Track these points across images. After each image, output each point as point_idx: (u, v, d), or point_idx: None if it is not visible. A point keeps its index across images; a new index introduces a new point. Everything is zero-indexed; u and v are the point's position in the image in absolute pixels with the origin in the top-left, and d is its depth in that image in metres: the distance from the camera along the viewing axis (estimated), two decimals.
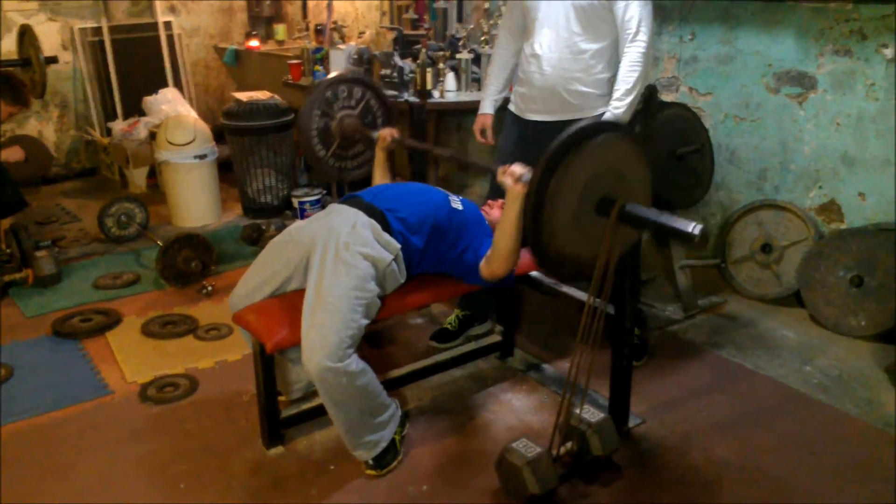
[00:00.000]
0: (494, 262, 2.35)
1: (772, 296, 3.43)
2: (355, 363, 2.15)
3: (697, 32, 3.58)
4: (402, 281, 2.38)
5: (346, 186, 4.46)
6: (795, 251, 3.36)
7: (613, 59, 2.75)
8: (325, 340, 2.10)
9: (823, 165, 3.28)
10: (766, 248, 3.45)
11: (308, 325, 2.14)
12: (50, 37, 5.44)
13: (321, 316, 2.12)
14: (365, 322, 2.20)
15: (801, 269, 3.26)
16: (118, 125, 5.36)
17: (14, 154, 3.81)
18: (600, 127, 2.01)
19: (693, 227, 1.84)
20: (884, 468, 2.31)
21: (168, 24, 5.88)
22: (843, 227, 3.25)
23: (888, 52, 2.99)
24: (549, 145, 1.91)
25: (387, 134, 2.84)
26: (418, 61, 3.78)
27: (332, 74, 3.12)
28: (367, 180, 2.94)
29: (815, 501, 2.18)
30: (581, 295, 2.59)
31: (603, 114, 2.71)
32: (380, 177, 2.86)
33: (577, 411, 2.25)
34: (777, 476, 2.28)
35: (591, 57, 2.74)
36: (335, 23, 5.01)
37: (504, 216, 2.27)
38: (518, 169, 2.22)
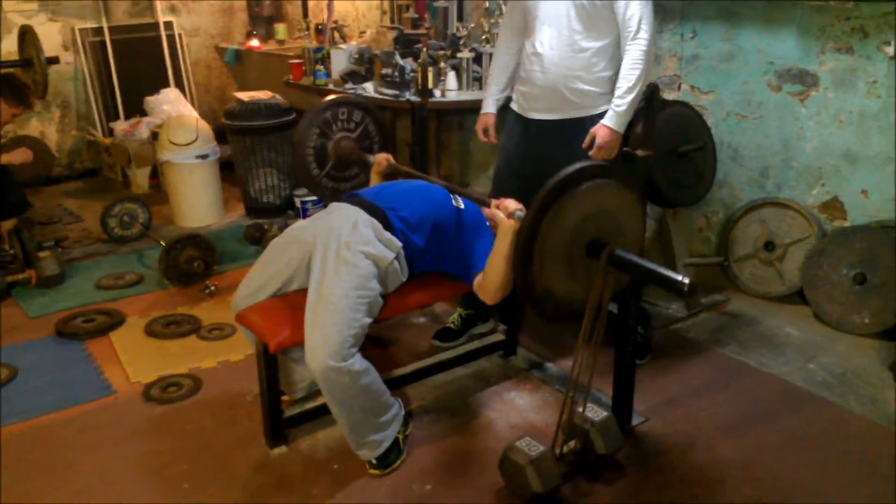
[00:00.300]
0: (486, 290, 2.36)
1: (775, 293, 3.43)
2: (358, 362, 2.15)
3: (699, 30, 3.58)
4: (404, 279, 2.38)
5: None
6: (798, 249, 3.35)
7: (615, 58, 2.75)
8: (327, 340, 2.10)
9: (826, 163, 3.27)
10: (769, 245, 3.45)
11: (311, 325, 2.14)
12: (51, 37, 5.44)
13: (324, 315, 2.12)
14: (368, 321, 2.20)
15: (805, 266, 3.26)
16: (120, 125, 5.37)
17: (21, 156, 3.81)
18: (594, 170, 2.04)
19: (682, 278, 1.87)
20: (887, 465, 2.31)
21: (169, 24, 5.88)
22: (845, 224, 3.25)
23: (889, 50, 2.98)
24: (543, 186, 1.94)
25: (382, 159, 2.87)
26: (419, 60, 3.77)
27: (331, 98, 3.14)
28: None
29: (818, 499, 2.18)
30: None
31: (605, 112, 2.71)
32: None
33: (581, 410, 2.25)
34: (781, 474, 2.28)
35: (593, 55, 2.73)
36: (336, 22, 5.01)
37: (495, 250, 2.28)
38: (511, 204, 2.22)
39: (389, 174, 2.89)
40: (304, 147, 3.00)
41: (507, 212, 2.22)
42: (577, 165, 2.02)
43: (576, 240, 2.03)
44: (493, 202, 2.28)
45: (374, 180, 2.89)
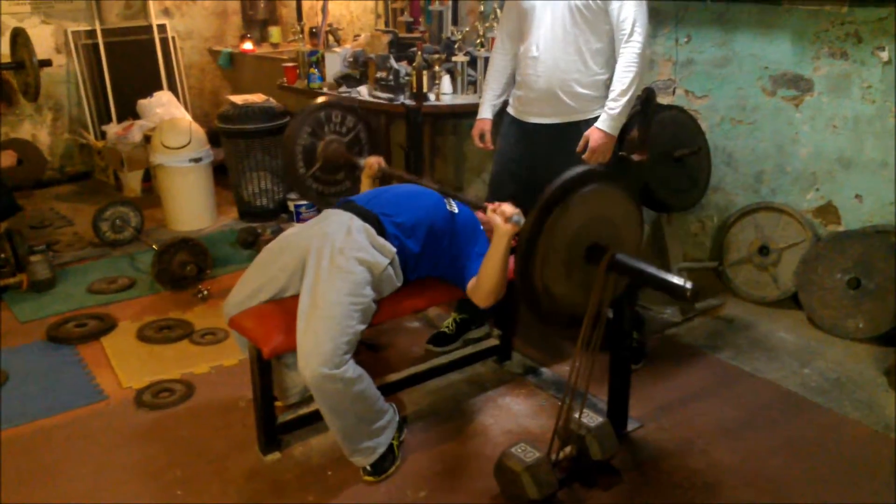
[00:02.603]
0: (479, 293, 2.35)
1: (769, 298, 3.43)
2: (352, 369, 2.14)
3: (693, 35, 3.58)
4: (399, 285, 2.37)
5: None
6: (793, 253, 3.36)
7: (611, 61, 2.75)
8: (320, 347, 2.08)
9: (820, 168, 3.28)
10: (764, 250, 3.45)
11: (303, 332, 2.12)
12: (43, 40, 5.41)
13: (316, 322, 2.11)
14: (361, 327, 2.18)
15: (799, 271, 3.26)
16: (112, 128, 5.34)
17: (7, 159, 3.78)
18: (592, 176, 2.04)
19: (685, 283, 1.86)
20: (883, 471, 2.31)
21: (162, 27, 5.86)
22: (840, 229, 3.25)
23: (884, 55, 2.99)
24: (543, 192, 1.94)
25: (374, 162, 2.86)
26: (414, 64, 3.76)
27: (321, 100, 3.13)
28: None
29: None
30: None
31: (599, 116, 2.71)
32: None
33: (576, 415, 2.24)
34: (776, 479, 2.28)
35: (589, 58, 2.73)
36: (330, 25, 5.00)
37: (491, 253, 2.27)
38: (508, 209, 2.21)
39: (381, 178, 2.88)
40: (294, 143, 2.99)
41: (504, 216, 2.21)
42: (582, 169, 2.01)
43: (576, 243, 2.02)
44: (490, 206, 2.27)
45: (366, 184, 2.88)
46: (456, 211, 2.50)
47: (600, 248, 2.03)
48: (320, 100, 3.16)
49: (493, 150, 3.07)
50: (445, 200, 2.51)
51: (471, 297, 2.40)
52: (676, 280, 1.91)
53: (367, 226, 2.30)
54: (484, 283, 2.30)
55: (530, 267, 1.97)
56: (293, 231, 2.44)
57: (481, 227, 2.52)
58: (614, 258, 2.01)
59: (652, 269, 1.97)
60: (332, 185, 3.14)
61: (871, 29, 3.00)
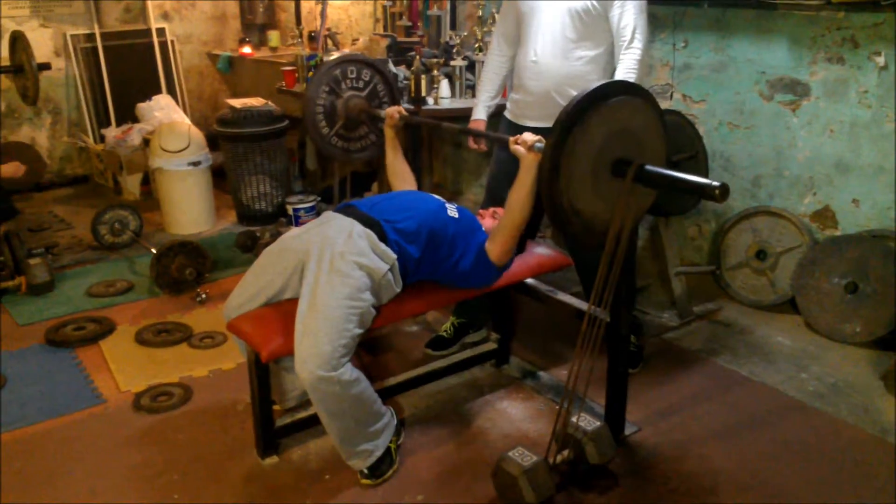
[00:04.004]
0: (502, 234, 2.37)
1: (767, 302, 3.43)
2: (349, 372, 2.14)
3: (690, 40, 3.59)
4: (398, 290, 2.37)
5: (349, 189, 4.45)
6: (790, 258, 3.36)
7: (608, 66, 2.76)
8: (318, 350, 2.09)
9: (817, 172, 3.29)
10: (761, 254, 3.46)
11: (301, 335, 2.13)
12: (42, 43, 5.42)
13: (314, 325, 2.11)
14: (359, 332, 2.19)
15: (796, 275, 3.27)
16: (111, 132, 5.34)
17: (11, 168, 3.79)
18: (618, 87, 2.00)
19: (712, 182, 1.83)
20: (880, 475, 2.31)
21: (161, 31, 5.87)
22: (837, 233, 3.26)
23: (880, 60, 3.00)
24: (567, 104, 1.90)
25: (394, 111, 2.85)
26: (412, 68, 3.77)
27: (340, 55, 3.13)
28: (365, 185, 2.93)
29: None
30: (577, 302, 2.59)
31: None
32: (392, 155, 2.85)
33: (574, 419, 2.24)
34: (773, 484, 2.28)
35: (586, 63, 2.74)
36: (329, 29, 5.01)
37: (517, 186, 2.29)
38: (530, 137, 2.23)
39: (403, 127, 2.89)
40: (313, 105, 2.99)
41: (526, 145, 2.23)
42: (602, 83, 1.97)
43: (602, 157, 1.97)
44: (511, 139, 2.28)
45: (389, 135, 2.86)
46: (457, 216, 2.50)
47: (626, 162, 1.98)
48: (334, 56, 3.14)
49: (489, 153, 3.07)
50: (446, 206, 2.51)
51: (492, 251, 2.40)
52: (704, 181, 1.87)
53: (369, 231, 2.30)
54: (509, 217, 2.33)
55: (555, 186, 1.92)
56: (292, 234, 2.44)
57: (483, 230, 2.52)
58: (642, 168, 1.96)
59: (679, 174, 1.94)
60: (357, 141, 3.14)
61: (867, 34, 3.01)
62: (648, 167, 1.97)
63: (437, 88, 3.87)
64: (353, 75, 3.05)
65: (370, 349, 3.09)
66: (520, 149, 2.27)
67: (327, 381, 2.09)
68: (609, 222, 2.03)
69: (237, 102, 4.71)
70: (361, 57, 3.18)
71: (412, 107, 3.73)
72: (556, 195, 1.94)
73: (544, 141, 2.14)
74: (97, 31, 5.57)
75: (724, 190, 1.82)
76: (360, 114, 3.04)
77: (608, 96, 1.95)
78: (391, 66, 3.91)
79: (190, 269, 3.65)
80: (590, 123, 1.92)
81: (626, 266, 2.27)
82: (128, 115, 5.48)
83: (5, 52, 4.45)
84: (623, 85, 2.05)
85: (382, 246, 2.28)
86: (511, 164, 2.93)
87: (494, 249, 2.41)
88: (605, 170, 1.99)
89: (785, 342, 3.14)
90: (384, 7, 4.75)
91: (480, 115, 3.06)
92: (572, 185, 1.94)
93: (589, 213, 2.00)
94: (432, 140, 4.83)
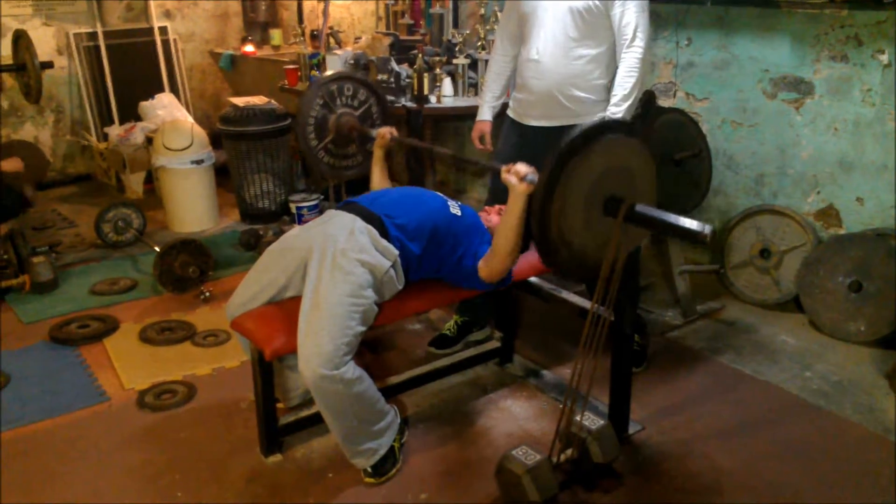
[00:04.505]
0: (494, 259, 2.34)
1: (771, 301, 3.43)
2: (352, 370, 2.14)
3: (694, 38, 3.58)
4: (400, 287, 2.36)
5: (344, 192, 4.45)
6: (794, 256, 3.36)
7: (611, 65, 2.75)
8: (320, 348, 2.08)
9: (821, 170, 3.28)
10: (765, 253, 3.45)
11: (304, 333, 2.13)
12: (45, 42, 5.42)
13: (317, 323, 2.11)
14: (362, 329, 2.19)
15: (800, 274, 3.26)
16: (115, 130, 5.35)
17: (12, 164, 3.79)
18: (608, 126, 2.01)
19: (703, 227, 1.84)
20: (884, 474, 2.31)
21: (163, 29, 5.87)
22: (841, 232, 3.26)
23: (884, 58, 3.00)
24: (558, 143, 1.90)
25: (385, 132, 2.84)
26: (415, 66, 3.77)
27: (338, 71, 3.12)
28: (364, 184, 2.93)
29: None
30: (581, 301, 2.59)
31: None
32: (378, 175, 2.84)
33: (578, 418, 2.24)
34: (777, 482, 2.28)
35: (588, 62, 2.74)
36: (331, 28, 5.01)
37: (507, 215, 2.26)
38: (523, 168, 2.21)
39: (393, 148, 2.87)
40: (305, 115, 2.98)
41: (518, 176, 2.21)
42: (596, 120, 1.98)
43: (594, 193, 1.98)
44: (504, 167, 2.27)
45: (378, 155, 2.86)
46: (459, 214, 2.50)
47: (618, 200, 1.99)
48: (331, 72, 3.14)
49: (493, 151, 3.07)
50: (449, 203, 2.51)
51: (484, 273, 2.38)
52: (694, 225, 1.88)
53: (371, 227, 2.30)
54: (500, 247, 2.30)
55: (547, 218, 1.93)
56: (295, 232, 2.44)
57: (485, 229, 2.52)
58: (632, 208, 1.97)
59: (669, 217, 1.94)
60: (344, 159, 3.14)
61: (870, 32, 3.01)
62: (639, 207, 1.98)
63: (440, 87, 3.87)
64: (350, 93, 3.05)
65: (373, 347, 3.09)
66: (511, 178, 2.22)
67: (330, 380, 2.09)
68: (596, 256, 2.04)
69: (240, 101, 4.71)
70: (360, 77, 3.17)
71: (415, 105, 3.73)
72: (546, 227, 1.95)
73: (536, 173, 2.14)
74: (100, 30, 5.58)
75: (713, 235, 1.86)
76: (350, 131, 3.03)
77: (604, 133, 1.97)
78: (393, 65, 3.92)
79: (193, 267, 3.66)
80: (585, 159, 1.93)
81: (629, 265, 2.27)
82: (131, 114, 5.49)
83: (8, 51, 4.46)
84: (619, 124, 2.07)
85: (384, 242, 2.27)
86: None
87: (485, 272, 2.38)
88: (596, 205, 2.01)
89: (789, 341, 3.14)
90: (386, 5, 4.75)
91: (486, 115, 3.06)
92: (563, 217, 1.95)
93: (578, 245, 2.01)
94: (436, 138, 4.83)
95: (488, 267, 2.37)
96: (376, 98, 3.11)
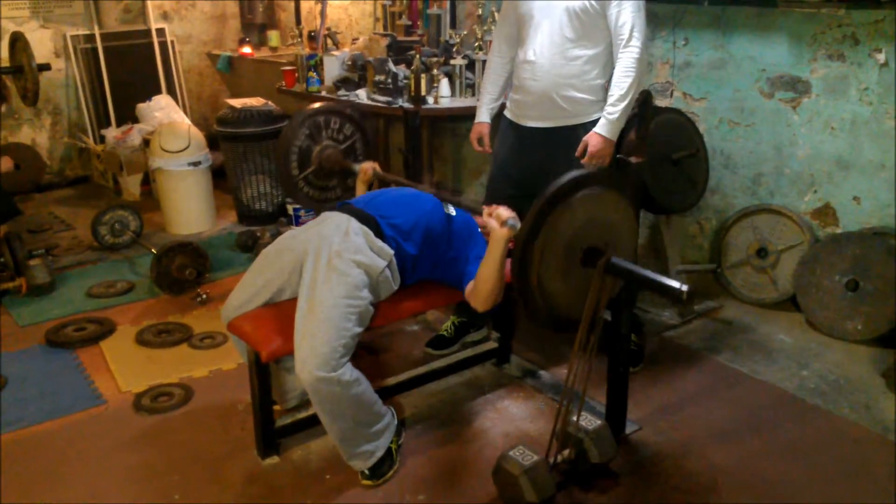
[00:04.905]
0: (477, 297, 2.33)
1: (768, 300, 3.43)
2: (349, 372, 2.14)
3: (690, 38, 3.58)
4: (396, 287, 2.37)
5: None
6: (791, 255, 3.36)
7: (608, 65, 2.75)
8: (317, 350, 2.08)
9: (818, 170, 3.28)
10: (762, 252, 3.45)
11: (300, 335, 2.13)
12: (42, 44, 5.42)
13: (313, 325, 2.11)
14: (358, 330, 2.18)
15: (797, 273, 3.26)
16: (112, 132, 5.34)
17: (2, 164, 3.79)
18: (589, 179, 2.05)
19: (680, 286, 1.88)
20: (881, 473, 2.31)
21: (161, 31, 5.87)
22: (838, 231, 3.26)
23: (881, 57, 2.99)
24: (538, 197, 1.96)
25: (368, 167, 2.89)
26: (412, 67, 3.77)
27: (319, 104, 3.13)
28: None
29: None
30: None
31: (597, 120, 2.72)
32: None
33: (575, 418, 2.24)
34: (774, 481, 2.28)
35: (585, 63, 2.74)
36: (328, 29, 5.00)
37: (487, 258, 2.26)
38: (504, 212, 2.21)
39: (378, 183, 2.89)
40: (289, 144, 2.99)
41: (500, 220, 2.20)
42: (577, 173, 2.02)
43: (573, 246, 2.04)
44: (486, 209, 2.26)
45: (360, 189, 2.89)
46: (453, 214, 2.50)
47: (597, 251, 2.04)
48: (318, 104, 3.16)
49: (491, 153, 3.07)
50: (442, 204, 2.51)
51: (469, 301, 2.40)
52: (672, 283, 1.91)
53: (365, 228, 2.30)
54: (481, 287, 2.30)
55: (527, 269, 1.97)
56: (290, 234, 2.44)
57: (479, 230, 2.52)
58: (611, 261, 2.01)
59: (647, 273, 1.99)
60: (324, 191, 3.15)
61: (867, 31, 3.01)
62: (616, 261, 2.02)
63: (437, 87, 3.86)
64: (336, 126, 3.06)
65: (370, 349, 3.09)
66: (492, 222, 2.22)
67: (327, 382, 2.08)
68: (572, 306, 2.09)
69: (237, 102, 4.71)
70: (348, 112, 3.17)
71: (412, 106, 3.73)
72: (525, 273, 1.99)
73: (518, 220, 2.16)
74: (97, 32, 5.57)
75: (690, 295, 1.90)
76: (333, 164, 3.04)
77: (585, 186, 2.02)
78: (391, 66, 3.91)
79: (190, 269, 3.65)
80: (567, 210, 1.98)
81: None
82: (128, 116, 5.48)
83: (5, 53, 4.46)
84: (602, 176, 2.11)
85: (379, 242, 2.28)
86: (511, 166, 2.94)
87: (471, 301, 2.37)
88: (575, 255, 2.06)
89: (786, 340, 3.14)
90: (384, 6, 4.75)
91: (484, 117, 3.06)
92: (543, 265, 1.99)
93: (556, 292, 2.06)
94: (433, 139, 4.83)
95: (473, 298, 2.36)
96: (361, 134, 3.13)
